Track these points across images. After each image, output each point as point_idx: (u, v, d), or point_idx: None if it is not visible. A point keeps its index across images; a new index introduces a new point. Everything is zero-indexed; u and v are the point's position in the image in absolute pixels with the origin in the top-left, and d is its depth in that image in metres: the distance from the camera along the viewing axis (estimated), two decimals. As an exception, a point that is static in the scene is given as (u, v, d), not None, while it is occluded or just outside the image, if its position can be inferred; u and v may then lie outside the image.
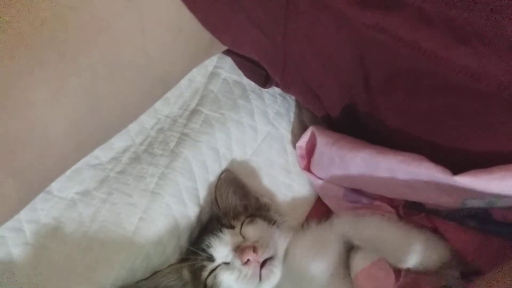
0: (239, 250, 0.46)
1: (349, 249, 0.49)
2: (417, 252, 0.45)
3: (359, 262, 0.46)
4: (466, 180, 0.37)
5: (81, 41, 0.34)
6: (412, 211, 0.50)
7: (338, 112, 0.47)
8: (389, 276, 0.45)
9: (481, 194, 0.38)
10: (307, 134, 0.54)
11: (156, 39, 0.36)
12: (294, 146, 0.59)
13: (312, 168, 0.54)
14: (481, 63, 0.33)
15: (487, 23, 0.32)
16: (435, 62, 0.34)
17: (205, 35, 0.38)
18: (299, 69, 0.42)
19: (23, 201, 0.38)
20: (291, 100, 0.60)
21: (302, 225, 0.55)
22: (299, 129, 0.60)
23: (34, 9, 0.33)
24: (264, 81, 0.56)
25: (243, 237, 0.48)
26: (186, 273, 0.50)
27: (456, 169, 0.38)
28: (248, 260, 0.45)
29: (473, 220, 0.46)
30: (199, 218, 0.54)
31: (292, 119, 0.59)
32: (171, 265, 0.51)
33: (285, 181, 0.58)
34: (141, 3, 0.34)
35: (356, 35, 0.36)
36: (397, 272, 0.45)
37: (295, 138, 0.59)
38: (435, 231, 0.48)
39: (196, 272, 0.49)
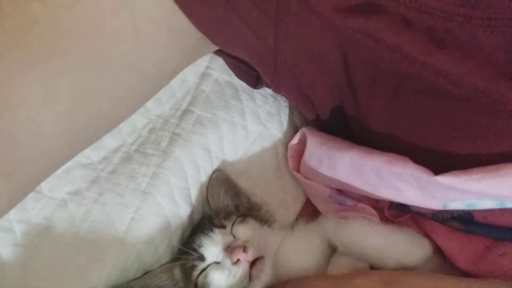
0: (229, 249, 0.46)
1: (334, 249, 0.50)
2: (399, 253, 0.46)
3: (337, 267, 0.47)
4: (447, 180, 0.38)
5: (72, 40, 0.34)
6: (397, 212, 0.51)
7: (328, 115, 0.48)
8: None
9: (461, 195, 0.40)
10: (298, 135, 0.55)
11: (148, 38, 0.36)
12: (285, 147, 0.60)
13: (301, 169, 0.55)
14: (458, 69, 0.34)
15: (464, 33, 0.33)
16: (416, 66, 0.35)
17: (197, 35, 0.39)
18: (290, 69, 0.43)
19: (14, 201, 0.38)
20: (282, 101, 0.61)
21: (292, 225, 0.55)
22: (290, 130, 0.61)
23: (25, 9, 0.33)
24: (255, 81, 0.56)
25: (234, 237, 0.49)
26: (177, 273, 0.50)
27: (439, 171, 0.39)
28: (238, 259, 0.46)
29: (457, 221, 0.47)
30: (191, 218, 0.54)
31: (283, 120, 0.60)
32: (163, 264, 0.51)
33: (277, 181, 0.58)
34: (133, 2, 0.34)
35: (341, 38, 0.37)
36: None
37: (286, 139, 0.60)
38: (420, 231, 0.49)
39: (187, 272, 0.49)
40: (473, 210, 0.45)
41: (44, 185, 0.49)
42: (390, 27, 0.35)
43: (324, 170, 0.50)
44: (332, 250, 0.51)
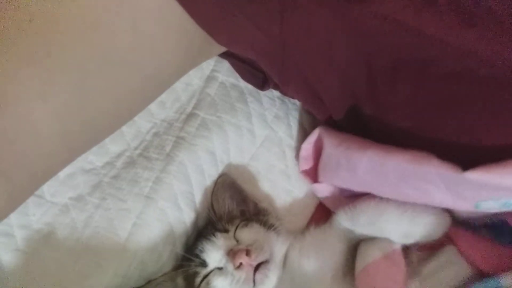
0: (231, 253, 0.44)
1: (353, 246, 0.48)
2: (420, 224, 0.43)
3: (369, 254, 0.44)
4: (477, 175, 0.35)
5: (69, 37, 0.33)
6: None
7: (341, 114, 0.46)
8: (400, 272, 0.43)
9: (494, 193, 0.36)
10: (314, 135, 0.53)
11: (147, 36, 0.35)
12: (294, 151, 0.57)
13: (320, 172, 0.53)
14: (491, 46, 0.31)
15: (498, 1, 0.30)
16: (441, 48, 0.33)
17: (199, 33, 0.38)
18: (298, 64, 0.41)
19: (13, 203, 0.37)
20: (290, 103, 0.59)
21: (303, 231, 0.53)
22: (299, 133, 0.59)
23: (21, 5, 0.33)
24: (262, 83, 0.55)
25: (237, 241, 0.47)
26: (180, 281, 0.49)
27: (467, 167, 0.36)
28: (241, 264, 0.43)
29: (486, 229, 0.43)
30: (195, 224, 0.53)
31: (291, 123, 0.58)
32: (166, 273, 0.49)
33: (285, 186, 0.56)
34: (133, 1, 0.34)
35: (356, 27, 0.35)
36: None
37: (295, 142, 0.58)
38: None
39: (189, 279, 0.47)
40: (508, 213, 0.41)
41: (46, 190, 0.49)
42: (409, 7, 0.32)
43: (344, 172, 0.47)
44: (351, 247, 0.48)
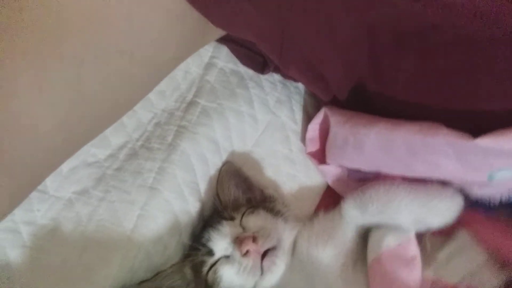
0: (238, 241, 0.43)
1: (364, 233, 0.46)
2: (433, 209, 0.42)
3: (381, 243, 0.43)
4: (489, 141, 0.34)
5: (63, 26, 0.32)
6: None
7: (345, 92, 0.45)
8: (414, 260, 0.42)
9: (507, 160, 0.35)
10: (320, 115, 0.52)
11: (144, 23, 0.34)
12: (298, 135, 0.56)
13: (327, 152, 0.51)
14: (495, 8, 0.30)
15: None
16: (442, 15, 0.31)
17: (195, 18, 0.36)
18: (298, 44, 0.40)
19: (15, 198, 0.37)
20: (292, 87, 0.58)
21: (311, 218, 0.52)
22: (303, 117, 0.57)
23: None
24: (262, 67, 0.54)
25: (243, 229, 0.46)
26: (188, 271, 0.48)
27: (477, 136, 0.35)
28: (248, 251, 0.42)
29: (504, 209, 0.42)
30: (201, 214, 0.52)
31: (294, 107, 0.57)
32: (174, 264, 0.49)
33: (290, 171, 0.55)
34: None
35: (354, 3, 0.34)
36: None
37: (299, 126, 0.56)
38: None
39: (197, 269, 0.47)
40: None
41: (50, 185, 0.49)
42: None
43: (351, 149, 0.46)
44: (361, 234, 0.47)
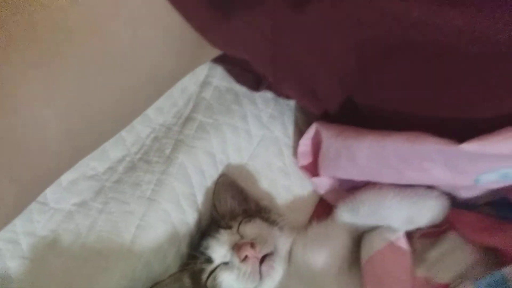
0: (236, 247, 0.45)
1: (357, 238, 0.48)
2: (422, 208, 0.44)
3: (373, 244, 0.45)
4: (474, 146, 0.35)
5: (71, 42, 0.34)
6: None
7: (335, 105, 0.47)
8: (406, 259, 0.44)
9: (492, 164, 0.37)
10: (311, 131, 0.54)
11: (143, 39, 0.37)
12: (291, 149, 0.59)
13: (320, 165, 0.53)
14: (480, 25, 0.31)
15: None
16: (429, 31, 0.33)
17: (191, 37, 0.39)
18: (290, 62, 0.42)
19: (20, 206, 0.38)
20: (284, 104, 0.61)
21: (305, 227, 0.54)
22: (294, 132, 0.60)
23: (24, 12, 0.34)
24: (256, 85, 0.56)
25: (241, 236, 0.47)
26: (187, 280, 0.49)
27: (463, 141, 0.37)
28: (246, 256, 0.44)
29: (489, 206, 0.44)
30: (198, 224, 0.53)
31: (286, 122, 0.59)
32: (172, 275, 0.50)
33: (284, 183, 0.57)
34: (131, 5, 0.35)
35: (341, 23, 0.36)
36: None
37: (291, 141, 0.59)
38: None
39: (196, 278, 0.48)
40: (508, 193, 0.42)
41: (50, 197, 0.50)
42: None
43: (344, 161, 0.48)
44: (355, 239, 0.49)
